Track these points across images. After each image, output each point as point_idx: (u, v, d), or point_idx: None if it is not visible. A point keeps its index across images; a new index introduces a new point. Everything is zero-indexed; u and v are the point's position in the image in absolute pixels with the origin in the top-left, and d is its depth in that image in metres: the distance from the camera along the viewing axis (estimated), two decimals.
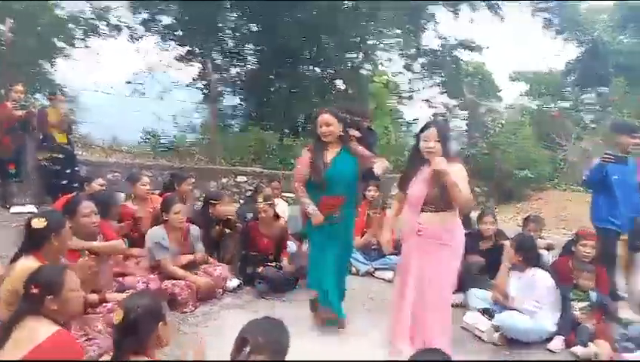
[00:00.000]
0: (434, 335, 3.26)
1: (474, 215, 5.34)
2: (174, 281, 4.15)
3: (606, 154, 4.62)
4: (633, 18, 17.13)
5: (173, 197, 4.66)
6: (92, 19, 13.01)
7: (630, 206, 4.60)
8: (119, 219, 4.72)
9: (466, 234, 5.04)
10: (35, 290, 2.28)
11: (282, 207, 6.08)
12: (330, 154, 3.77)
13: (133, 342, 2.13)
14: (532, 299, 3.92)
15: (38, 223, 2.81)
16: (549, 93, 14.33)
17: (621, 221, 4.62)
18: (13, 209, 6.28)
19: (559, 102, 14.27)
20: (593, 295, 4.08)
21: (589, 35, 14.75)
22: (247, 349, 1.95)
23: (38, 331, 2.20)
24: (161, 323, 2.20)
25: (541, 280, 3.98)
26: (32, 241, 2.83)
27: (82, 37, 13.10)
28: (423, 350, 2.31)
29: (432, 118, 14.08)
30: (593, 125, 12.96)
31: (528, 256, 4.11)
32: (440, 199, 3.23)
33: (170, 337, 2.39)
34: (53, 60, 12.91)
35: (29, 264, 2.66)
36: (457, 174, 3.17)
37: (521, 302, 3.95)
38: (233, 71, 14.43)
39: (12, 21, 8.26)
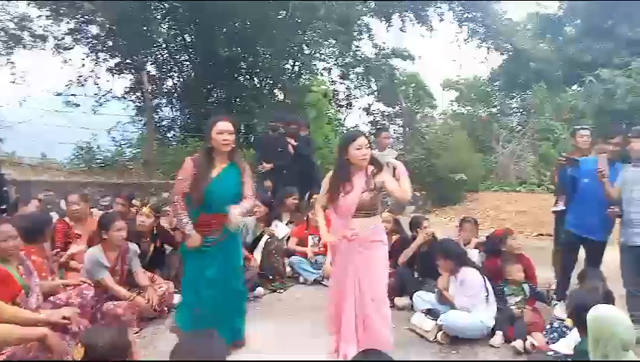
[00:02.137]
0: (381, 331, 3.44)
1: (404, 220, 5.57)
2: (116, 302, 4.02)
3: (560, 156, 4.81)
4: (548, 29, 18.49)
5: (113, 214, 4.52)
6: (14, 29, 12.27)
7: (602, 212, 4.34)
8: (53, 239, 4.53)
9: (401, 239, 5.31)
10: None
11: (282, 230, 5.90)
12: (216, 169, 3.51)
13: None
14: (465, 296, 4.12)
15: None
16: (478, 100, 15.10)
17: (587, 225, 4.49)
18: None
19: (487, 108, 15.06)
20: (526, 287, 4.37)
21: (510, 44, 15.71)
22: None
23: None
24: (126, 358, 2.12)
25: (471, 277, 4.16)
26: None
27: (4, 48, 12.33)
28: (365, 351, 2.28)
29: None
30: (519, 128, 13.76)
31: (456, 258, 4.32)
32: (371, 204, 3.45)
33: None
34: None
35: None
36: (392, 180, 3.46)
37: (458, 300, 4.15)
38: (169, 82, 14.14)
39: None
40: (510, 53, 16.26)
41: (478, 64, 23.12)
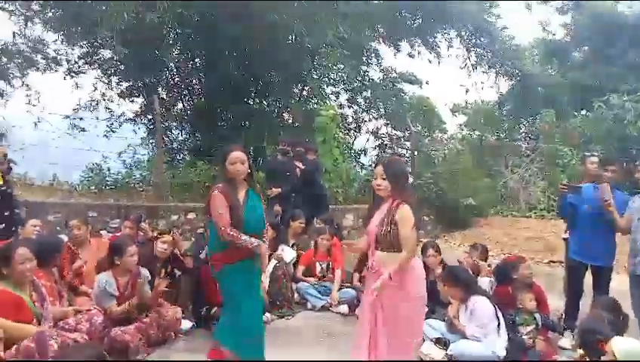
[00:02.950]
0: None
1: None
2: (123, 328, 4.01)
3: (562, 184, 4.82)
4: (556, 54, 18.62)
5: (125, 240, 4.54)
6: (28, 52, 12.54)
7: (604, 238, 4.46)
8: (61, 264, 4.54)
9: None
10: None
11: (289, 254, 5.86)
12: (241, 196, 3.64)
13: None
14: (476, 326, 4.06)
15: None
16: (486, 125, 15.12)
17: (590, 252, 4.52)
18: None
19: (496, 132, 15.07)
20: (538, 317, 4.31)
21: (518, 69, 15.79)
22: None
23: None
24: None
25: (481, 306, 4.12)
26: None
27: (18, 72, 12.57)
28: None
29: (385, 154, 14.49)
30: (528, 153, 13.73)
31: (465, 286, 4.27)
32: (388, 240, 3.23)
33: None
34: None
35: None
36: (402, 221, 3.19)
37: (468, 330, 4.09)
38: (179, 105, 14.29)
39: None
40: (518, 79, 16.32)
41: (487, 89, 23.23)
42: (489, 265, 5.36)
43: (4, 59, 12.05)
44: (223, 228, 3.48)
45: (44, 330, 3.18)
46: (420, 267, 3.38)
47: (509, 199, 12.01)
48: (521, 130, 16.61)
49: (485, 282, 4.87)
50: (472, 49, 15.24)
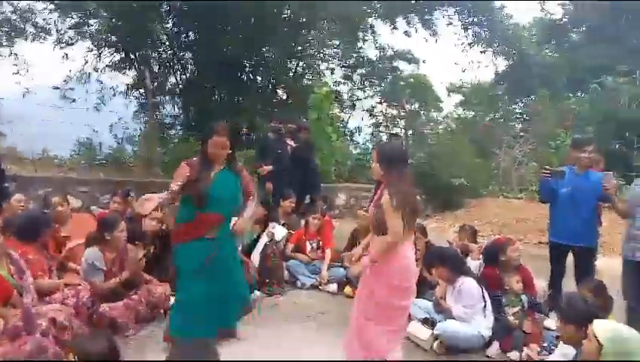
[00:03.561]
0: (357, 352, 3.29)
1: None
2: (112, 304, 4.01)
3: (543, 169, 4.84)
4: (553, 35, 18.47)
5: (116, 216, 4.50)
6: (17, 20, 12.25)
7: (583, 220, 4.49)
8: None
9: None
10: None
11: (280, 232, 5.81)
12: (214, 171, 3.63)
13: None
14: (462, 306, 4.09)
15: None
16: (482, 104, 15.05)
17: (570, 232, 4.54)
18: None
19: (491, 113, 15.00)
20: (524, 298, 4.35)
21: (515, 49, 15.66)
22: None
23: None
24: None
25: (469, 287, 4.13)
26: None
27: (6, 41, 12.30)
28: None
29: (379, 132, 14.39)
30: (522, 133, 13.72)
31: (454, 266, 4.28)
32: (377, 224, 3.20)
33: None
34: None
35: None
36: (384, 205, 3.09)
37: (455, 310, 4.12)
38: (171, 80, 14.10)
39: None
40: (515, 59, 16.21)
41: (483, 68, 23.05)
42: (479, 247, 5.39)
43: None
44: (169, 191, 3.50)
45: (28, 304, 3.15)
46: (407, 257, 3.21)
47: (501, 180, 12.03)
48: (516, 111, 16.56)
49: (474, 264, 4.89)
50: (470, 27, 15.05)
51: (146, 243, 4.75)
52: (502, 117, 15.29)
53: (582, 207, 4.48)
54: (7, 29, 12.10)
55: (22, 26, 12.27)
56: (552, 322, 4.42)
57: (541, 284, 5.00)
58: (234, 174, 3.73)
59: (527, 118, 15.19)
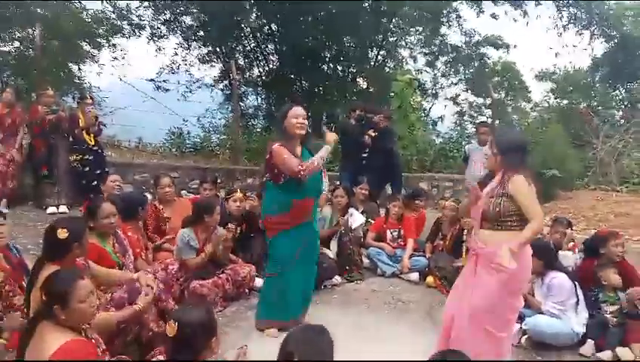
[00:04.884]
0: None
1: None
2: (201, 282, 4.21)
3: None
4: None
5: (214, 200, 4.73)
6: (114, 19, 13.23)
7: None
8: (145, 220, 4.81)
9: None
10: (44, 298, 2.29)
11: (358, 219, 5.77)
12: (296, 152, 3.59)
13: (187, 355, 2.13)
14: (553, 302, 3.87)
15: (62, 234, 2.79)
16: (576, 91, 14.00)
17: None
18: (49, 210, 6.44)
19: (587, 100, 13.92)
20: (622, 296, 4.02)
21: (617, 31, 14.35)
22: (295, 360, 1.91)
23: (50, 342, 2.19)
24: (214, 338, 2.21)
25: (559, 283, 3.91)
26: (55, 250, 2.82)
27: (106, 38, 13.30)
28: (444, 351, 2.28)
29: (464, 122, 13.91)
30: (623, 122, 12.64)
31: (547, 260, 4.03)
32: (497, 216, 2.94)
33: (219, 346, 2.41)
34: (80, 63, 13.18)
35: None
36: (518, 192, 2.88)
37: (544, 306, 3.90)
38: (255, 71, 14.53)
39: (42, 27, 8.47)
40: (616, 41, 14.87)
41: (579, 53, 21.40)
42: (572, 240, 5.05)
43: (95, 26, 12.75)
44: (298, 168, 3.41)
45: (134, 281, 3.36)
46: (529, 253, 3.02)
47: (598, 171, 11.15)
48: (616, 97, 15.24)
49: (569, 256, 4.59)
50: (564, 8, 14.00)
51: (234, 224, 4.93)
52: (600, 104, 14.14)
53: None
54: (106, 27, 13.11)
55: (119, 23, 13.24)
56: None
57: None
58: (311, 153, 3.69)
59: (629, 104, 13.95)
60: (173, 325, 2.12)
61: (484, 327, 2.99)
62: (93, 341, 2.44)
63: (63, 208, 6.48)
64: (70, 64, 12.75)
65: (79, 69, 13.16)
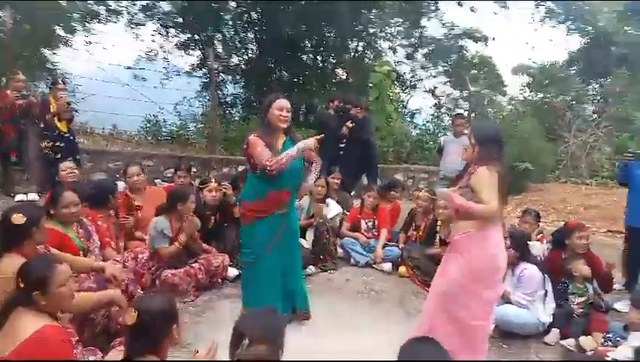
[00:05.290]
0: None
1: None
2: (174, 271, 4.19)
3: (627, 152, 4.62)
4: (637, 10, 17.00)
5: (188, 188, 4.69)
6: (90, 3, 12.91)
7: None
8: (116, 209, 4.74)
9: None
10: (22, 285, 2.27)
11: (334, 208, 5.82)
12: (278, 143, 3.58)
13: (147, 343, 2.11)
14: (523, 293, 3.96)
15: (18, 219, 2.73)
16: (551, 85, 14.23)
17: None
18: (17, 197, 6.30)
19: (561, 94, 14.16)
20: (590, 287, 4.14)
21: (593, 26, 14.61)
22: (246, 342, 1.97)
23: (24, 326, 2.18)
24: (175, 325, 2.20)
25: (530, 274, 3.99)
26: (12, 238, 2.75)
27: (81, 23, 12.99)
28: (417, 338, 2.22)
29: (441, 114, 14.00)
30: (595, 117, 12.92)
31: (521, 251, 4.12)
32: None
33: (181, 335, 2.40)
34: (53, 48, 12.84)
35: (14, 261, 2.58)
36: (477, 183, 2.92)
37: (514, 296, 3.99)
38: (234, 59, 14.38)
39: (13, 10, 8.23)
40: (591, 36, 15.13)
41: (554, 48, 21.73)
42: (541, 232, 5.17)
43: (69, 10, 12.43)
44: (266, 163, 3.38)
45: (101, 270, 3.32)
46: (495, 242, 2.99)
47: (569, 165, 11.40)
48: (589, 92, 15.54)
49: (537, 246, 4.70)
50: (542, 3, 14.20)
51: (207, 214, 4.91)
52: (573, 99, 14.41)
53: None
54: (82, 11, 12.78)
55: (95, 8, 12.92)
56: (623, 305, 4.21)
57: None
58: (294, 143, 3.61)
59: (602, 100, 14.26)
60: (132, 313, 2.11)
61: (454, 315, 3.03)
62: (69, 330, 2.42)
63: (32, 196, 6.34)
64: (43, 49, 12.42)
65: (53, 53, 12.84)
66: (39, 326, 2.18)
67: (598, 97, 14.85)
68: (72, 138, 6.71)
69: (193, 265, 4.36)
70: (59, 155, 6.34)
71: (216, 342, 2.25)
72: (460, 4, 13.81)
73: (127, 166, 5.28)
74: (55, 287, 2.29)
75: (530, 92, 14.71)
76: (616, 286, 4.86)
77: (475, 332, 3.08)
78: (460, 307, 3.02)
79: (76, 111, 7.17)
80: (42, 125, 6.42)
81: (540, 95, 14.12)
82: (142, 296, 2.56)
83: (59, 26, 12.44)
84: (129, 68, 13.47)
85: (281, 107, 3.55)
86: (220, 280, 4.59)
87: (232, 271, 4.71)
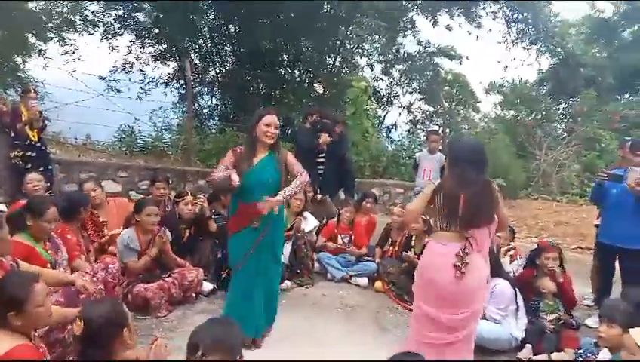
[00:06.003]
0: None
1: None
2: (146, 285, 4.11)
3: (601, 172, 4.74)
4: (602, 34, 17.71)
5: (146, 200, 4.62)
6: (67, 13, 12.73)
7: (630, 222, 4.35)
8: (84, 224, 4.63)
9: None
10: None
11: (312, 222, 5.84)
12: (257, 158, 3.61)
13: (98, 351, 2.07)
14: (496, 308, 4.00)
15: None
16: (522, 104, 14.63)
17: (619, 236, 4.45)
18: None
19: (532, 113, 14.55)
20: (560, 304, 4.22)
21: (562, 48, 15.10)
22: (199, 352, 1.97)
23: None
24: (125, 329, 2.16)
25: (501, 290, 4.04)
26: None
27: (56, 32, 12.79)
28: (401, 353, 2.33)
29: (417, 130, 14.19)
30: (564, 135, 13.29)
31: (493, 266, 4.17)
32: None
33: (134, 338, 2.35)
34: (26, 56, 12.58)
35: None
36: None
37: (486, 311, 4.03)
38: (211, 71, 14.33)
39: None
40: (560, 57, 15.64)
41: (526, 67, 22.35)
42: (513, 248, 5.26)
43: (44, 19, 12.24)
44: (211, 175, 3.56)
45: (71, 283, 3.24)
46: (432, 255, 3.07)
47: (540, 182, 11.69)
48: (559, 112, 16.02)
49: (507, 263, 4.78)
50: (513, 24, 14.59)
51: (181, 227, 4.84)
52: (544, 117, 14.83)
53: (634, 209, 4.32)
54: (57, 21, 12.58)
55: (71, 17, 12.74)
56: (594, 321, 4.29)
57: (580, 289, 4.85)
58: (276, 159, 3.64)
59: (571, 119, 14.71)
60: (79, 322, 2.06)
61: (421, 332, 3.06)
62: (41, 350, 2.33)
63: (0, 206, 6.16)
64: (15, 56, 12.15)
65: (24, 61, 12.57)
66: (12, 346, 2.09)
67: (568, 116, 15.30)
68: (43, 148, 6.57)
69: (167, 279, 4.29)
70: (29, 165, 6.21)
71: (161, 340, 2.23)
72: (436, 24, 14.08)
73: (80, 184, 5.18)
74: (32, 308, 2.19)
75: (502, 110, 15.09)
76: (586, 302, 5.00)
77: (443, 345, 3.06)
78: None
79: (48, 120, 7.00)
80: (13, 134, 6.27)
81: (512, 113, 14.48)
82: (87, 304, 2.48)
83: (32, 33, 12.21)
84: (103, 78, 13.27)
85: (268, 123, 3.57)
86: (194, 295, 4.51)
87: (207, 286, 4.65)
